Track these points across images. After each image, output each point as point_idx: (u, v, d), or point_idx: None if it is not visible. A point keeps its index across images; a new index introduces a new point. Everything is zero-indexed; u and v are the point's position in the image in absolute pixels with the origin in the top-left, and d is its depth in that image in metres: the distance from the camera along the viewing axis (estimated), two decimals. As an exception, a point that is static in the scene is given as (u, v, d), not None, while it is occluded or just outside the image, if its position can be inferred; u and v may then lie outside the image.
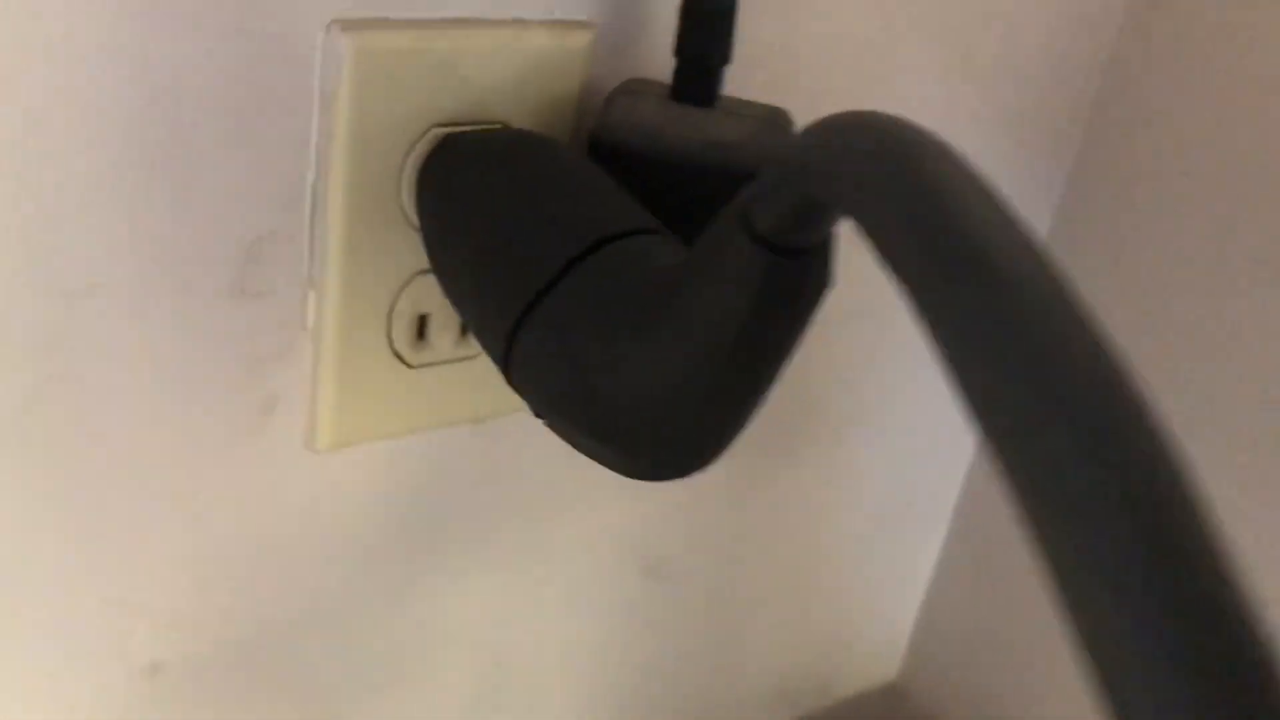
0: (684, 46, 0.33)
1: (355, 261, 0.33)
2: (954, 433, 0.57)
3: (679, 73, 0.33)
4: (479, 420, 0.39)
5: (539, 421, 0.39)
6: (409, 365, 0.35)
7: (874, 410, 0.53)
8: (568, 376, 0.27)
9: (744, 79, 0.38)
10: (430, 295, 0.34)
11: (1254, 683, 0.12)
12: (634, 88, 0.35)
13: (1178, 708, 0.11)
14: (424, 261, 0.33)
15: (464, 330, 0.36)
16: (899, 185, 0.17)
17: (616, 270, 0.27)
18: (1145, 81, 0.50)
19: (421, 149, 0.32)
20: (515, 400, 0.34)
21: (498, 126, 0.33)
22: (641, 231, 0.28)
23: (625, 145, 0.33)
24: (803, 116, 0.27)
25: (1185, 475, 0.13)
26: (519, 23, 0.33)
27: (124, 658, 0.36)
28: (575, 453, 0.44)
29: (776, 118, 0.35)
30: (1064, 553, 0.13)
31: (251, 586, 0.37)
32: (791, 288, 0.23)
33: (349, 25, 0.30)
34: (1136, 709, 0.12)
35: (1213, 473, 0.50)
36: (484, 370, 0.37)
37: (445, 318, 0.35)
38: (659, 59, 0.35)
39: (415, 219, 0.33)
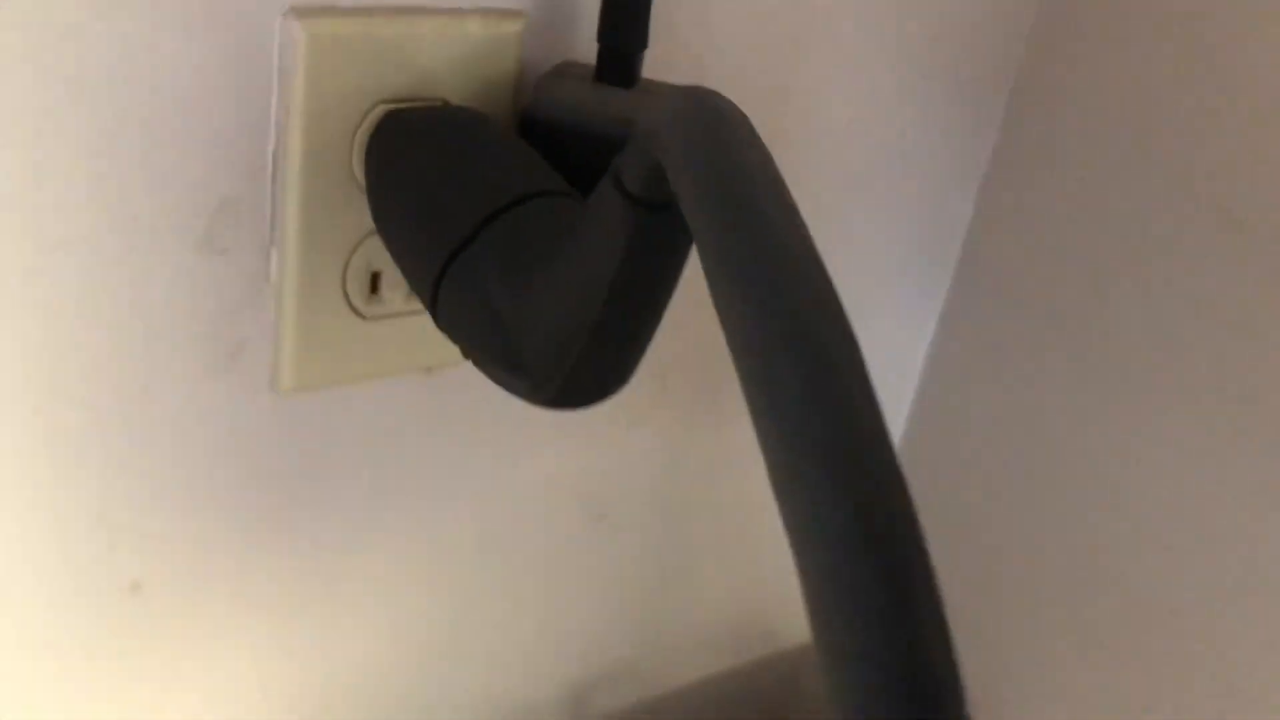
0: (604, 34, 0.37)
1: (311, 222, 0.37)
2: (894, 386, 0.61)
3: (601, 57, 0.38)
4: (430, 369, 0.43)
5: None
6: (363, 317, 0.40)
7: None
8: (484, 317, 0.31)
9: (668, 62, 0.43)
10: (381, 254, 0.38)
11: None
12: (564, 70, 0.39)
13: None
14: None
15: (413, 286, 0.40)
16: (694, 151, 0.21)
17: (525, 225, 0.31)
18: (1077, 23, 0.54)
19: (369, 122, 0.36)
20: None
21: (438, 103, 0.37)
22: (550, 193, 0.32)
23: (552, 122, 0.38)
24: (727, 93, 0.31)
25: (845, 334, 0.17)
26: (457, 11, 0.37)
27: (107, 576, 0.40)
28: (525, 403, 0.49)
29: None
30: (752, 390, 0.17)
31: (224, 513, 0.41)
32: (657, 238, 0.27)
33: (303, 13, 0.35)
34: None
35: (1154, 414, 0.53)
36: (433, 323, 0.41)
37: (396, 274, 0.39)
38: (591, 43, 0.39)
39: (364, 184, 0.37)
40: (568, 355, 0.30)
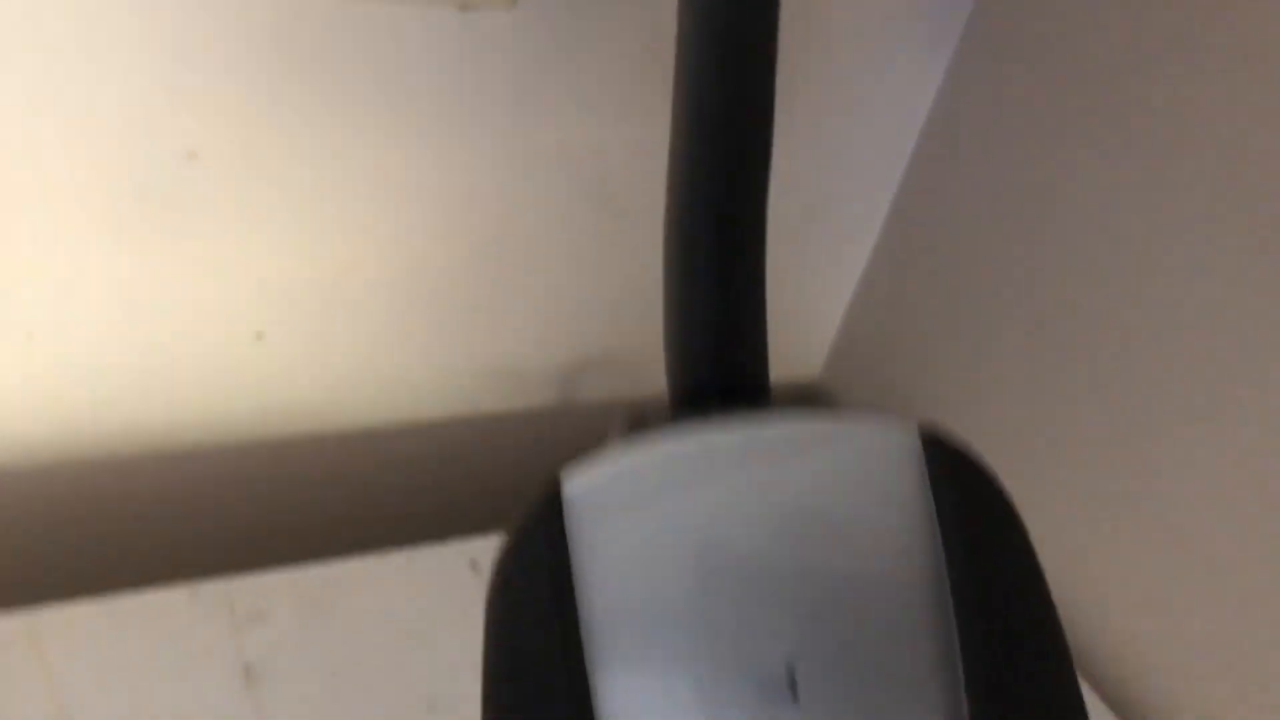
0: None
1: None
2: (890, 138, 0.65)
3: None
4: (464, 5, 0.48)
5: (518, 30, 0.49)
6: (410, -69, 0.45)
7: (818, 101, 0.61)
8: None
9: None
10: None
11: None
12: None
13: None
14: None
15: (457, -89, 0.45)
16: None
17: None
18: None
19: None
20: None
21: None
22: None
23: None
24: None
25: None
26: None
27: (169, 141, 0.46)
28: (543, 70, 0.54)
29: None
30: None
31: (275, 97, 0.47)
32: None
33: None
34: None
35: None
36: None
37: (443, -102, 0.45)
38: None
39: None
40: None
